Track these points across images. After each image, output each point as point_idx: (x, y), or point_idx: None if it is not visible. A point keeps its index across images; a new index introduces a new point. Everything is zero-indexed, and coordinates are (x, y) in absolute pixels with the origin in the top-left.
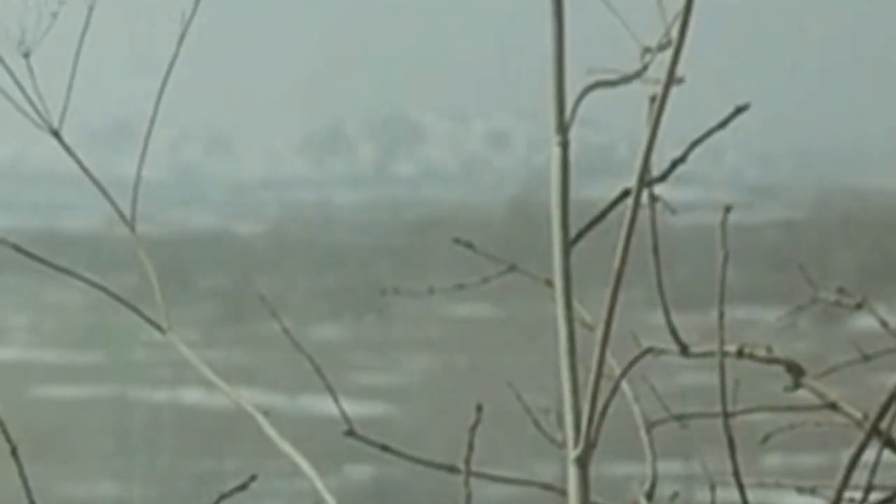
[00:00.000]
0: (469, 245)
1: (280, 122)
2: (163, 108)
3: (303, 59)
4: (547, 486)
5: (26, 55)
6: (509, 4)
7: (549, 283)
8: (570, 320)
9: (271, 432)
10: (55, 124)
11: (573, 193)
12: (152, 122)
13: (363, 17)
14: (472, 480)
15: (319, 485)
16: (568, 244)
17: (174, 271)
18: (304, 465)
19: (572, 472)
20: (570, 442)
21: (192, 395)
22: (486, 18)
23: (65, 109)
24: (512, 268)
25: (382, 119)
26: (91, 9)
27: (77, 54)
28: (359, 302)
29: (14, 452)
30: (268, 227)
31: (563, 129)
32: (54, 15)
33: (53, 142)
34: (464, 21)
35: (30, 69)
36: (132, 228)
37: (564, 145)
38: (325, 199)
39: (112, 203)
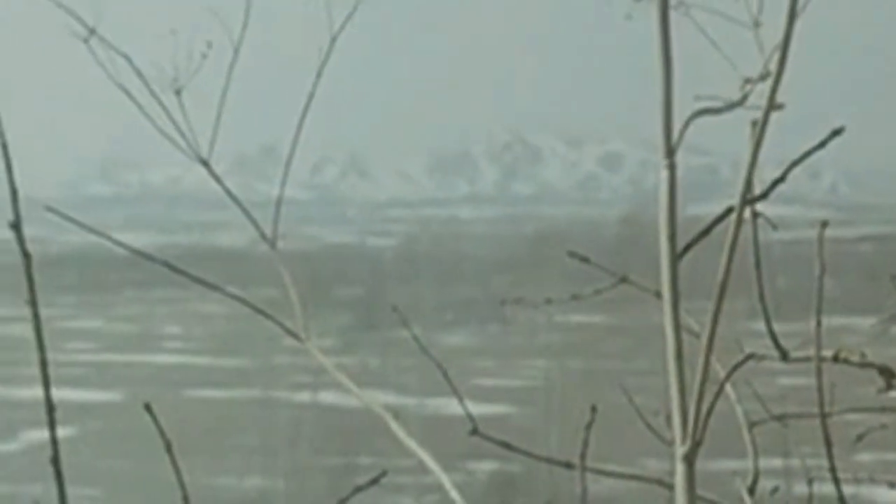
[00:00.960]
0: (584, 259)
1: (411, 145)
2: (305, 133)
3: (432, 86)
4: (656, 481)
5: (178, 92)
6: (621, 39)
7: (658, 294)
8: (677, 328)
9: (399, 432)
10: (204, 153)
11: (680, 211)
12: (293, 147)
13: (486, 48)
14: (587, 475)
15: (444, 479)
16: (675, 257)
17: (314, 283)
18: (430, 461)
19: (680, 469)
20: (678, 440)
21: (329, 398)
22: (600, 51)
23: (213, 139)
24: (623, 279)
25: (504, 143)
26: (237, 51)
27: (225, 90)
28: (482, 311)
29: (169, 449)
30: (398, 242)
31: (670, 152)
32: (204, 56)
33: (203, 169)
34: (579, 52)
35: (181, 105)
36: (272, 245)
37: (672, 167)
38: (452, 216)
39: (253, 222)
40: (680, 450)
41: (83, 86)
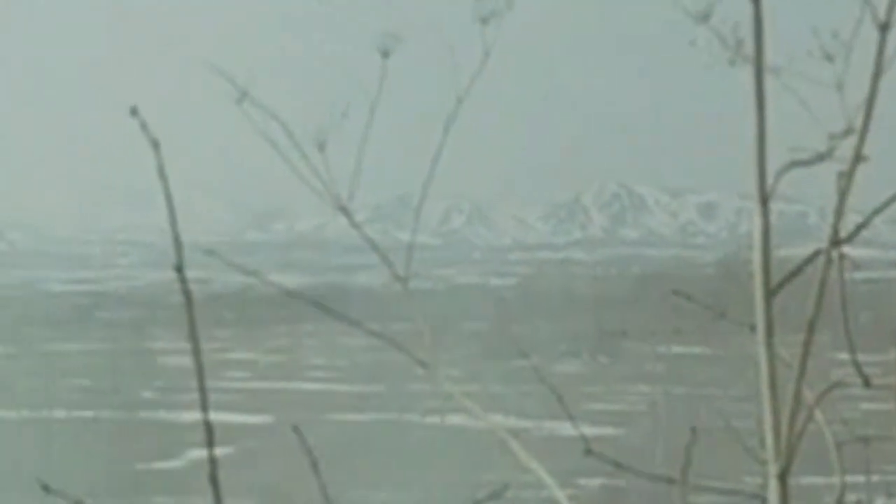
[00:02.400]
0: (687, 297)
1: (528, 195)
2: (435, 184)
3: (546, 141)
4: (752, 496)
5: (321, 147)
6: (716, 101)
7: (752, 328)
8: (771, 358)
9: (519, 451)
10: (344, 202)
11: (773, 253)
12: (422, 196)
13: (596, 107)
14: (688, 490)
15: (559, 494)
16: (769, 294)
17: (444, 319)
18: (547, 477)
19: (773, 486)
20: (772, 459)
21: (456, 420)
22: (698, 110)
23: (352, 190)
24: (721, 315)
25: (612, 193)
26: (374, 109)
27: (362, 145)
28: (593, 343)
29: (315, 466)
30: (518, 282)
31: (764, 199)
32: (344, 114)
33: (344, 217)
34: (680, 112)
35: (324, 159)
36: (404, 285)
37: (765, 213)
38: (565, 258)
39: (388, 264)
40: (774, 468)
41: (238, 143)
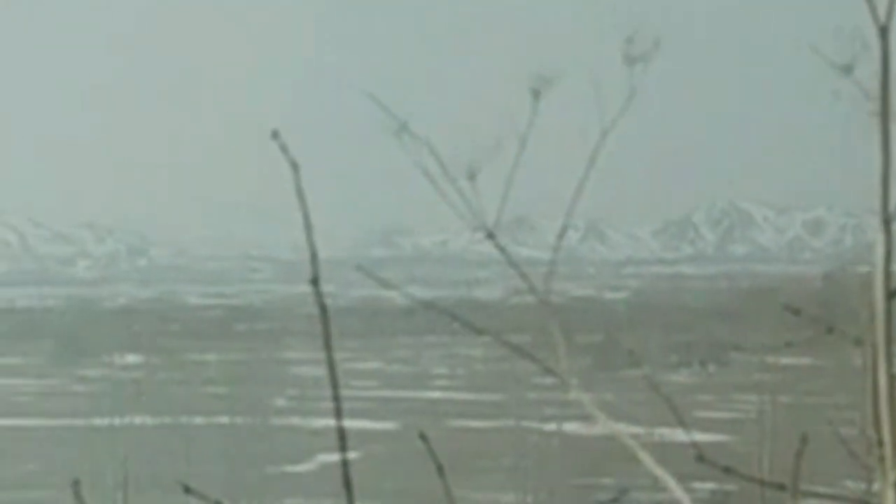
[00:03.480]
0: (796, 311)
1: (641, 213)
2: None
3: (657, 161)
4: (860, 502)
5: (471, 177)
6: (824, 120)
7: (857, 341)
8: (889, 369)
9: (644, 455)
10: (490, 227)
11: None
12: (567, 216)
13: (703, 128)
14: (798, 495)
15: (682, 495)
16: (889, 308)
17: (560, 330)
18: (671, 480)
19: (891, 494)
20: (889, 468)
21: (572, 427)
22: (806, 130)
23: (499, 216)
24: (830, 329)
25: (721, 210)
26: (524, 142)
27: (511, 175)
28: (703, 354)
29: (440, 470)
30: (630, 295)
31: (887, 219)
32: (494, 148)
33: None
34: (788, 131)
35: (474, 188)
36: (543, 298)
37: (888, 231)
38: (676, 273)
39: (525, 279)
40: (892, 476)
41: (372, 164)
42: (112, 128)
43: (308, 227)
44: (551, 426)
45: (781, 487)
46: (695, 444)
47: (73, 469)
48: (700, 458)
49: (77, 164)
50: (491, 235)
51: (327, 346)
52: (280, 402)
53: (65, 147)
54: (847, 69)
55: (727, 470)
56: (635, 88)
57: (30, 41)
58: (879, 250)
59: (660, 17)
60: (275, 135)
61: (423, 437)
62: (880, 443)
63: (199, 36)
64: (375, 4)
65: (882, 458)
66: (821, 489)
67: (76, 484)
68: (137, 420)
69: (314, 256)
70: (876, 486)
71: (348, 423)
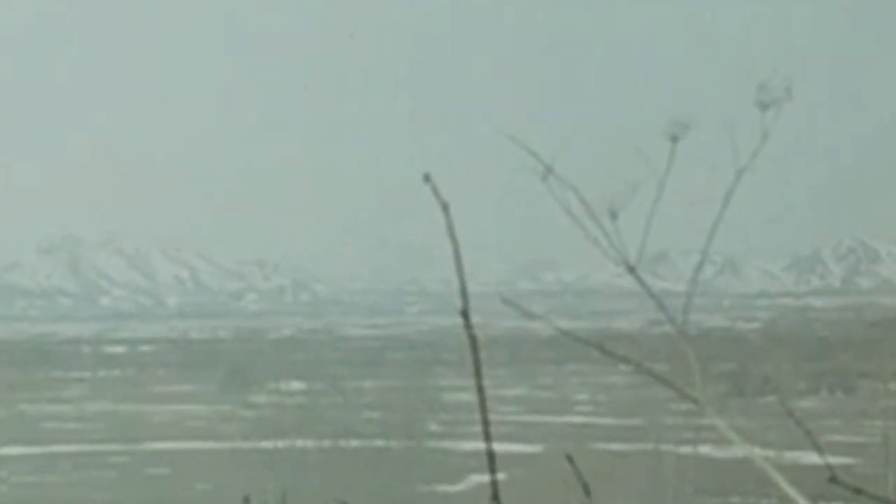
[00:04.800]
0: None
1: (773, 249)
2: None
3: (788, 201)
4: None
5: (613, 216)
6: None
7: None
8: None
9: (776, 476)
10: (632, 262)
11: None
12: (706, 251)
13: (834, 166)
14: None
15: None
16: None
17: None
18: (802, 500)
19: None
20: None
21: (706, 450)
22: None
23: (641, 251)
24: None
25: (848, 246)
26: (662, 183)
27: (648, 223)
28: (831, 381)
29: (586, 490)
30: (762, 326)
31: None
32: (635, 188)
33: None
34: None
35: (615, 226)
36: (681, 329)
37: None
38: (805, 305)
39: (663, 311)
40: None
41: (516, 205)
42: (280, 169)
43: (458, 263)
44: (687, 449)
45: None
46: (828, 466)
47: (240, 488)
48: (833, 480)
49: (247, 204)
50: (632, 270)
51: (477, 374)
52: (432, 426)
53: (235, 186)
54: None
55: (858, 491)
56: (768, 132)
57: (210, 89)
58: None
59: (789, 60)
60: (426, 178)
61: (569, 458)
62: None
63: (354, 83)
64: (524, 57)
65: None
66: None
67: (246, 500)
68: (300, 443)
69: (464, 290)
70: None
71: (496, 446)
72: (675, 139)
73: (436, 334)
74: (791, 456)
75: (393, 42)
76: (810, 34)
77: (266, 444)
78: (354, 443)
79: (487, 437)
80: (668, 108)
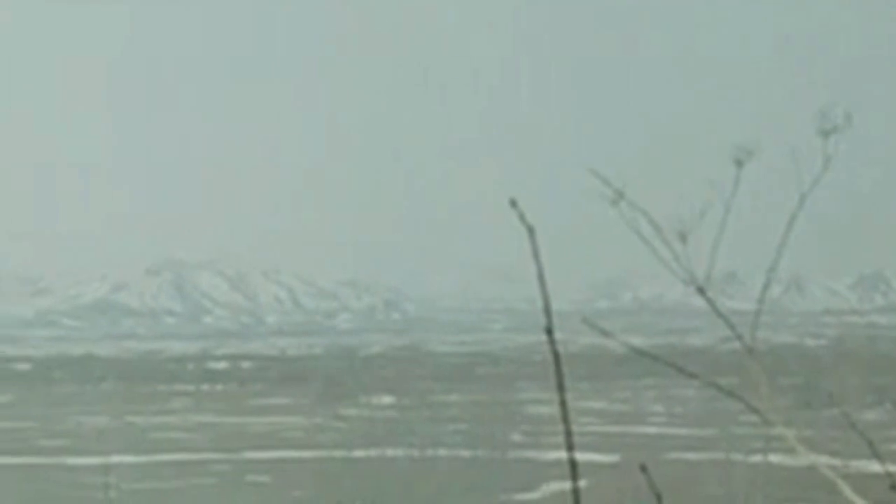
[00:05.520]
0: None
1: (838, 268)
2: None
3: (854, 218)
4: None
5: (683, 238)
6: None
7: None
8: None
9: (842, 484)
10: (702, 282)
11: None
12: (771, 271)
13: (892, 190)
14: None
15: None
16: None
17: (764, 373)
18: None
19: None
20: None
21: (776, 459)
22: None
23: (709, 272)
24: None
25: None
26: (729, 206)
27: (716, 244)
28: (895, 394)
29: (658, 499)
30: (828, 343)
31: None
32: (703, 212)
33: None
34: None
35: (686, 248)
36: (749, 345)
37: None
38: (870, 323)
39: (732, 328)
40: None
41: (594, 229)
42: (373, 196)
43: (542, 283)
44: (757, 458)
45: None
46: (889, 474)
47: (334, 495)
48: (894, 487)
49: (342, 228)
50: (702, 289)
51: (560, 388)
52: (515, 436)
53: (331, 212)
54: None
55: None
56: (830, 157)
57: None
58: None
59: (848, 89)
60: (513, 203)
61: (643, 468)
62: None
63: (440, 113)
64: (598, 88)
65: None
66: None
67: None
68: (390, 452)
69: (548, 308)
70: None
71: (576, 456)
72: (740, 164)
73: (519, 351)
74: (855, 465)
75: (477, 75)
76: (870, 55)
77: (358, 454)
78: (441, 452)
79: (569, 447)
80: (733, 135)
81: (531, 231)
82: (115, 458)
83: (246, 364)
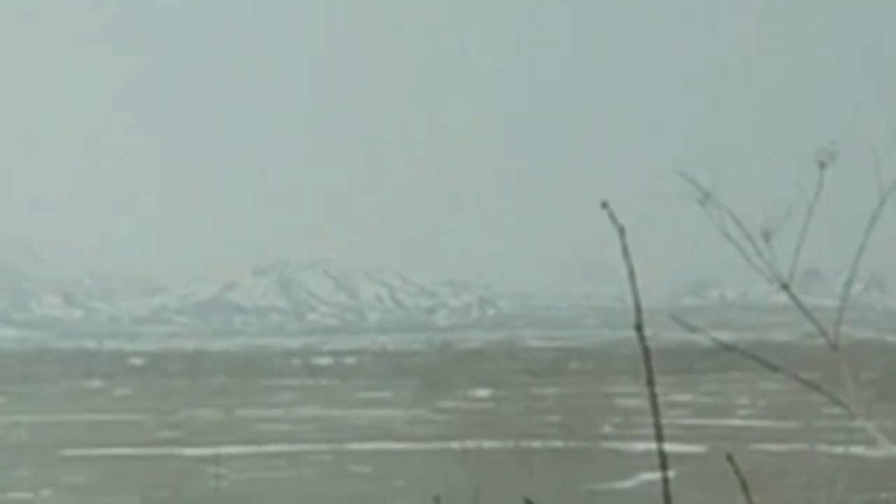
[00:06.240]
0: None
1: None
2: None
3: None
4: None
5: (767, 238)
6: None
7: None
8: None
9: None
10: (786, 280)
11: None
12: (853, 269)
13: None
14: None
15: None
16: None
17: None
18: None
19: None
20: None
21: (857, 450)
22: None
23: (793, 270)
24: None
25: None
26: (812, 206)
27: (800, 243)
28: None
29: (744, 487)
30: None
31: None
32: (787, 212)
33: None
34: None
35: (770, 247)
36: (832, 341)
37: None
38: None
39: (816, 324)
40: None
41: (682, 229)
42: (469, 198)
43: (633, 281)
44: (839, 449)
45: None
46: None
47: (432, 485)
48: None
49: (439, 229)
50: (785, 287)
51: (650, 382)
52: (606, 428)
53: (429, 214)
54: None
55: None
56: None
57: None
58: None
59: None
60: (604, 205)
61: (729, 458)
62: None
63: (541, 117)
64: (686, 91)
65: None
66: None
67: (437, 499)
68: (486, 444)
69: (638, 306)
70: None
71: (665, 447)
72: (823, 165)
73: (609, 346)
74: None
75: (568, 79)
76: None
77: (455, 445)
78: (536, 443)
79: (659, 438)
80: (817, 135)
81: (621, 231)
82: (225, 449)
83: (349, 359)
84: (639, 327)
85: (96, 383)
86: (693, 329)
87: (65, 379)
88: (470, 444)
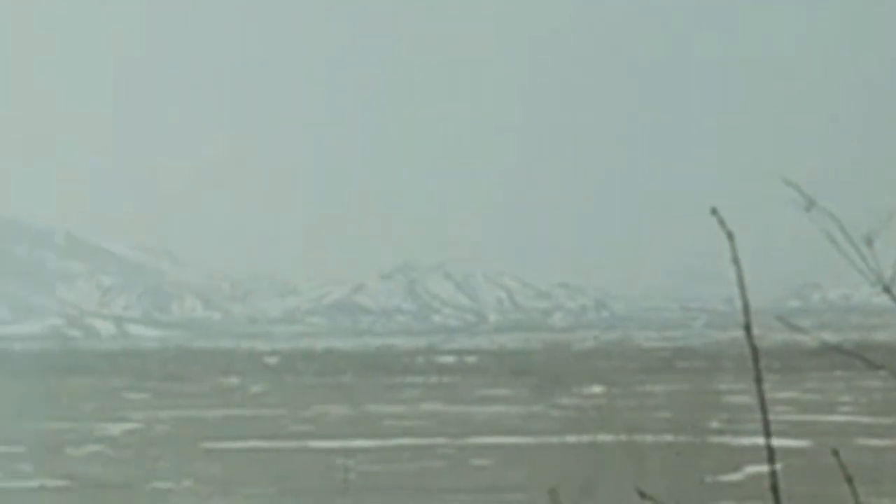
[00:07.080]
0: None
1: None
2: None
3: None
4: None
5: (869, 242)
6: None
7: None
8: None
9: None
10: (886, 282)
11: None
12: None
13: None
14: None
15: None
16: None
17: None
18: None
19: None
20: None
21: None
22: None
23: (894, 274)
24: None
25: None
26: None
27: None
28: None
29: (849, 480)
30: None
31: None
32: (890, 217)
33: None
34: None
35: (872, 251)
36: None
37: None
38: None
39: None
40: None
41: (786, 233)
42: (584, 207)
43: (742, 284)
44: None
45: None
46: None
47: (548, 477)
48: None
49: (555, 235)
50: (887, 289)
51: (757, 380)
52: (714, 424)
53: (546, 222)
54: None
55: None
56: None
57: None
58: None
59: None
60: (713, 211)
61: (834, 452)
62: None
63: (647, 125)
64: (788, 104)
65: None
66: None
67: (553, 491)
68: (600, 438)
69: (746, 308)
70: None
71: (772, 441)
72: None
73: (717, 346)
74: None
75: (685, 88)
76: None
77: (570, 439)
78: (647, 438)
79: (767, 433)
80: None
81: (730, 236)
82: (354, 443)
83: (470, 358)
84: (748, 328)
85: (233, 381)
86: (798, 329)
87: (204, 377)
88: (584, 438)
